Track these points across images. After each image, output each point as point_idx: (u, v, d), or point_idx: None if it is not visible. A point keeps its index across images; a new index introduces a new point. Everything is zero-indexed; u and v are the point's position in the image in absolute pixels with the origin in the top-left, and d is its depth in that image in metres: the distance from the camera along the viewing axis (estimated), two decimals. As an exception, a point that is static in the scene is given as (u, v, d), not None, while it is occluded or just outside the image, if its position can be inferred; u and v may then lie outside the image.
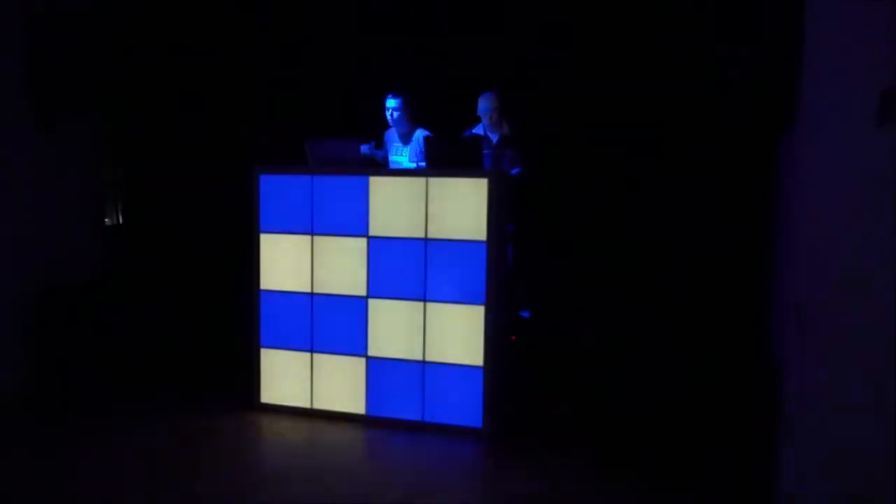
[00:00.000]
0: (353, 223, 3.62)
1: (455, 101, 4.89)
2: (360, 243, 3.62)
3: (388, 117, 4.65)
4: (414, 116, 4.69)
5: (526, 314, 4.88)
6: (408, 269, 3.56)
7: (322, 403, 3.76)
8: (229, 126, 5.49)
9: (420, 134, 4.64)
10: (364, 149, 4.46)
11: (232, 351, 4.35)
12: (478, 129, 4.73)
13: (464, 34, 5.14)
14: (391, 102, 4.61)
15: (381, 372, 3.65)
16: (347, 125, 4.82)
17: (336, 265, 3.67)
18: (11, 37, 4.12)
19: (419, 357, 3.58)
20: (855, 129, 2.11)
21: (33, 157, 4.28)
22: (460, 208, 3.46)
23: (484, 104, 4.60)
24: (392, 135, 4.78)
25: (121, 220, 5.53)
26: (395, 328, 3.61)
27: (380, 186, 3.58)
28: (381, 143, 4.79)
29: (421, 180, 3.51)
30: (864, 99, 1.96)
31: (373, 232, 3.60)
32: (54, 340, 4.31)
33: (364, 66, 5.31)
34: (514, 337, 4.64)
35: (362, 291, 3.64)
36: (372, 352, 3.66)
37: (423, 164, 4.53)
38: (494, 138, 4.68)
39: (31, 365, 4.19)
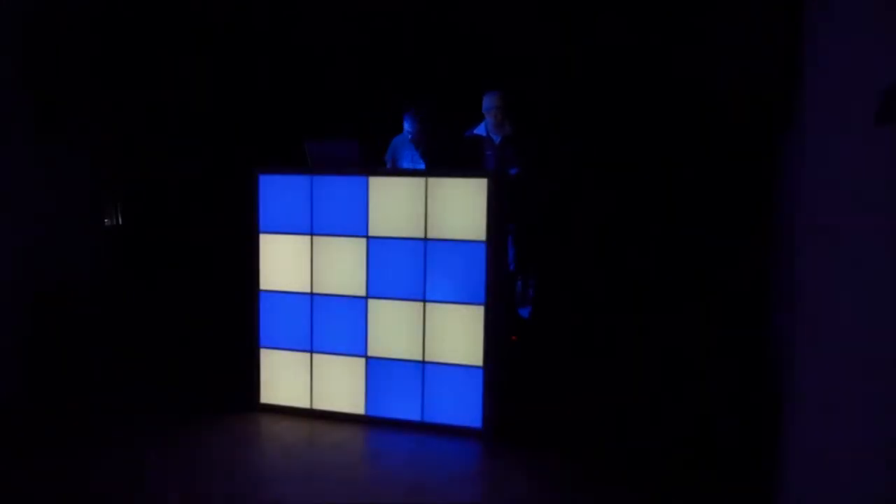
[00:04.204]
0: (353, 223, 3.62)
1: (455, 101, 4.89)
2: (360, 243, 3.62)
3: (414, 134, 4.35)
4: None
5: (526, 313, 4.87)
6: (407, 269, 3.56)
7: (322, 404, 3.75)
8: (229, 126, 5.50)
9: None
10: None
11: (232, 351, 4.35)
12: (479, 130, 4.71)
13: (465, 34, 5.14)
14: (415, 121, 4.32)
15: (380, 372, 3.65)
16: (347, 126, 4.83)
17: (336, 265, 3.67)
18: (10, 37, 4.11)
19: (419, 357, 3.58)
20: (855, 129, 2.11)
21: (33, 158, 4.27)
22: (460, 208, 3.46)
23: (488, 102, 4.58)
24: (403, 141, 4.51)
25: (121, 221, 5.53)
26: (395, 328, 3.61)
27: (380, 186, 3.57)
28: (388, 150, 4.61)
29: (421, 180, 3.51)
30: (864, 99, 1.97)
31: (372, 232, 3.60)
32: (54, 341, 4.31)
33: (364, 65, 5.31)
34: (514, 337, 4.64)
35: (362, 292, 3.64)
36: (372, 352, 3.66)
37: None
38: (497, 139, 4.66)
39: (30, 365, 4.18)
